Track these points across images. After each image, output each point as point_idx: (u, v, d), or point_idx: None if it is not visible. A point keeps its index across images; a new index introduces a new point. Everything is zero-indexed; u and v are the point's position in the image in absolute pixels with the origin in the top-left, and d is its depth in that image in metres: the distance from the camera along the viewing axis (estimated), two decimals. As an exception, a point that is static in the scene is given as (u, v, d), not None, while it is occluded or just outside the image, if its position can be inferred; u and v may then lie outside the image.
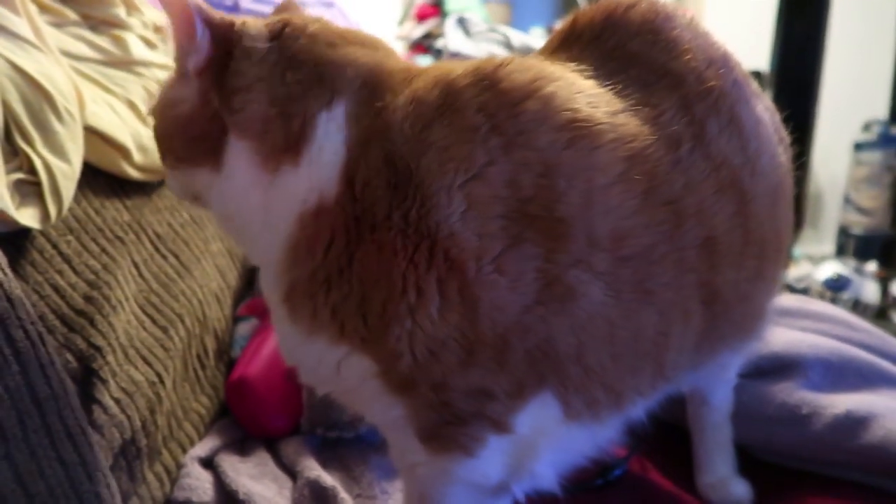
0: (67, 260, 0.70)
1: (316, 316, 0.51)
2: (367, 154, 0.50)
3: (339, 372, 0.53)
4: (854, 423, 0.73)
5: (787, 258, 0.70)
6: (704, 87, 0.58)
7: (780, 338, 0.85)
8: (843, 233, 2.72)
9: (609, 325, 0.52)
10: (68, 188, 0.68)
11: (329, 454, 0.83)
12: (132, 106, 0.89)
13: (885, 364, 0.85)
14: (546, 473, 0.57)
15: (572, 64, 0.56)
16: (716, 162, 0.56)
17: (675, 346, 0.56)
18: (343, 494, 0.71)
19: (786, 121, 0.68)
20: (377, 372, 0.52)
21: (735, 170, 0.57)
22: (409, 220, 0.48)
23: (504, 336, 0.50)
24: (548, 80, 0.51)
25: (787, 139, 0.67)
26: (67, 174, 0.68)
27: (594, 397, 0.54)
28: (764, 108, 0.64)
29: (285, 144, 0.51)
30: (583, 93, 0.52)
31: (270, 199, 0.52)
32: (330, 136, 0.51)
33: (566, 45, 0.60)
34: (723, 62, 0.61)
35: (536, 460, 0.56)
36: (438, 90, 0.51)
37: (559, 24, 0.63)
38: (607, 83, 0.55)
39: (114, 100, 0.86)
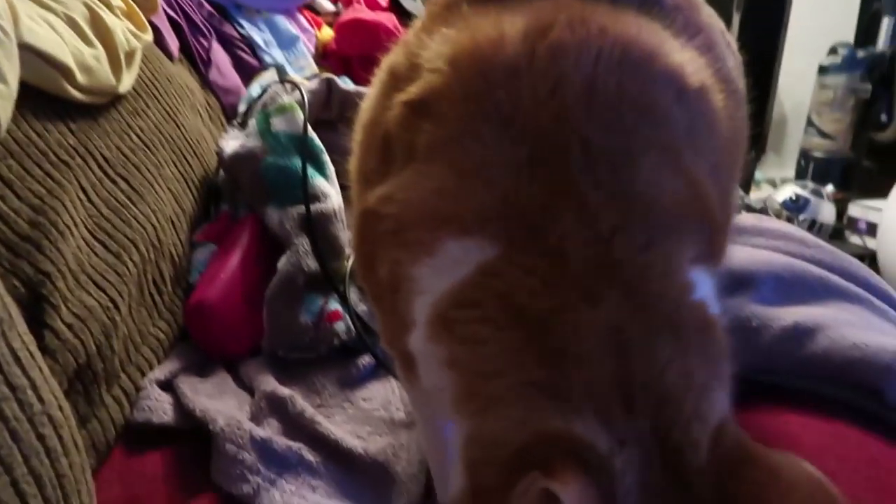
0: (9, 184, 0.67)
1: None
2: None
3: None
4: (801, 334, 0.75)
5: (741, 169, 0.70)
6: None
7: (735, 255, 0.87)
8: (804, 156, 2.75)
9: None
10: (5, 109, 0.65)
11: (291, 372, 0.83)
12: (73, 23, 0.85)
13: (835, 278, 0.87)
14: None
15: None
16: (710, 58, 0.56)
17: None
18: (301, 402, 0.72)
19: (753, 45, 0.68)
20: None
21: (715, 67, 0.57)
22: None
23: None
24: None
25: (735, 47, 0.67)
26: (3, 94, 0.65)
27: None
28: (707, 15, 0.63)
29: None
30: None
31: None
32: None
33: None
34: None
35: None
36: None
37: None
38: None
39: (52, 17, 0.82)
